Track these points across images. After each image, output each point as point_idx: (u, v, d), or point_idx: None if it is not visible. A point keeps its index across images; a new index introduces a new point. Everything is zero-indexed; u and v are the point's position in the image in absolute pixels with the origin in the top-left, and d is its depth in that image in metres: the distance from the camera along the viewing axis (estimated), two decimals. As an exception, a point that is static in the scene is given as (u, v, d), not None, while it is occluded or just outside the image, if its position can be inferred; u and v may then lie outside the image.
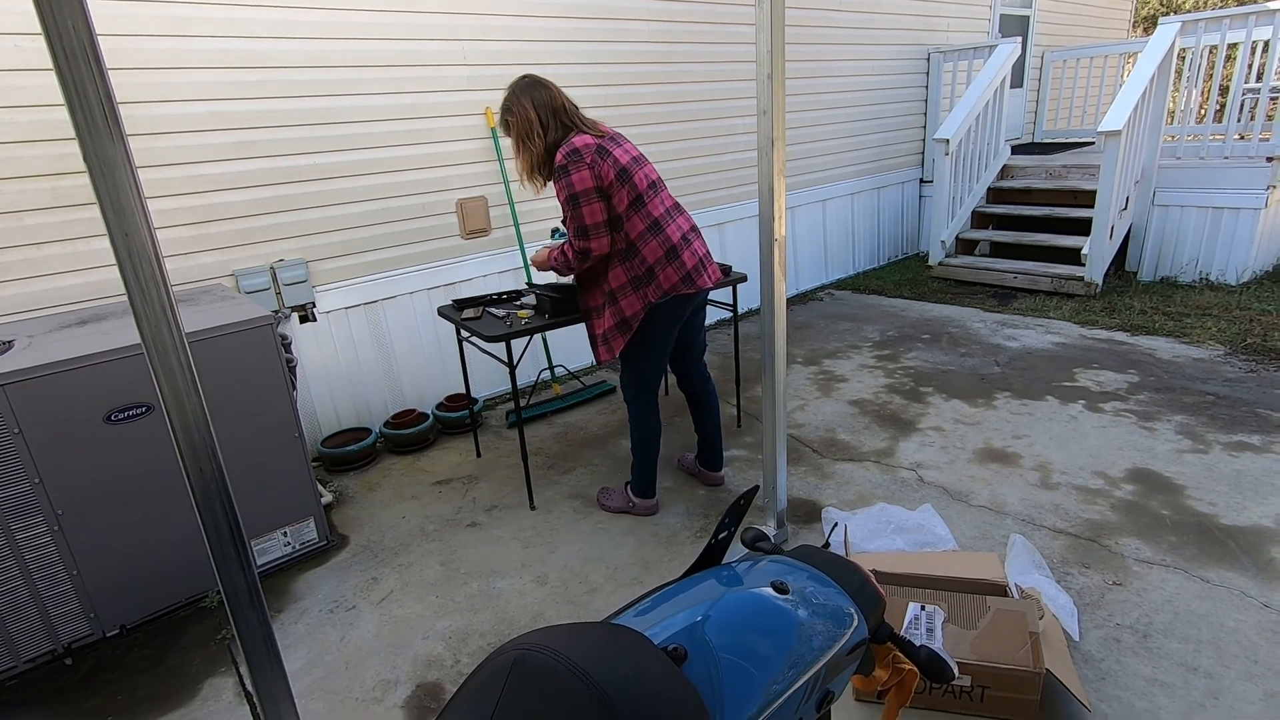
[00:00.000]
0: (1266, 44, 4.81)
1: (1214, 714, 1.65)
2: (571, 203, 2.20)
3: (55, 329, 2.26)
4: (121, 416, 2.07)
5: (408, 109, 3.28)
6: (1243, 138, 5.37)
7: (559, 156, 2.20)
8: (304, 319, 3.16)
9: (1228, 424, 3.02)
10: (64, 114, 2.45)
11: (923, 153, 6.53)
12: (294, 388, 2.50)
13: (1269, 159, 4.66)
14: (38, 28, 2.29)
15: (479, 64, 3.46)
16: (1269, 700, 1.68)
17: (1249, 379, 3.47)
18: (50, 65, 0.83)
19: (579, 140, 2.20)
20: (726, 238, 4.93)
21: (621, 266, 2.29)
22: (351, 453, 3.14)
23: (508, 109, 2.30)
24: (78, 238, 2.59)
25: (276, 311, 3.05)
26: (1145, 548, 2.27)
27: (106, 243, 2.68)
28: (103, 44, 0.85)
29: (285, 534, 2.48)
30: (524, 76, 2.32)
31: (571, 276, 2.47)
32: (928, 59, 6.22)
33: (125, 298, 0.96)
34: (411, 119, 3.31)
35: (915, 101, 6.30)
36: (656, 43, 4.18)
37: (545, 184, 2.37)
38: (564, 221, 2.33)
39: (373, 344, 3.43)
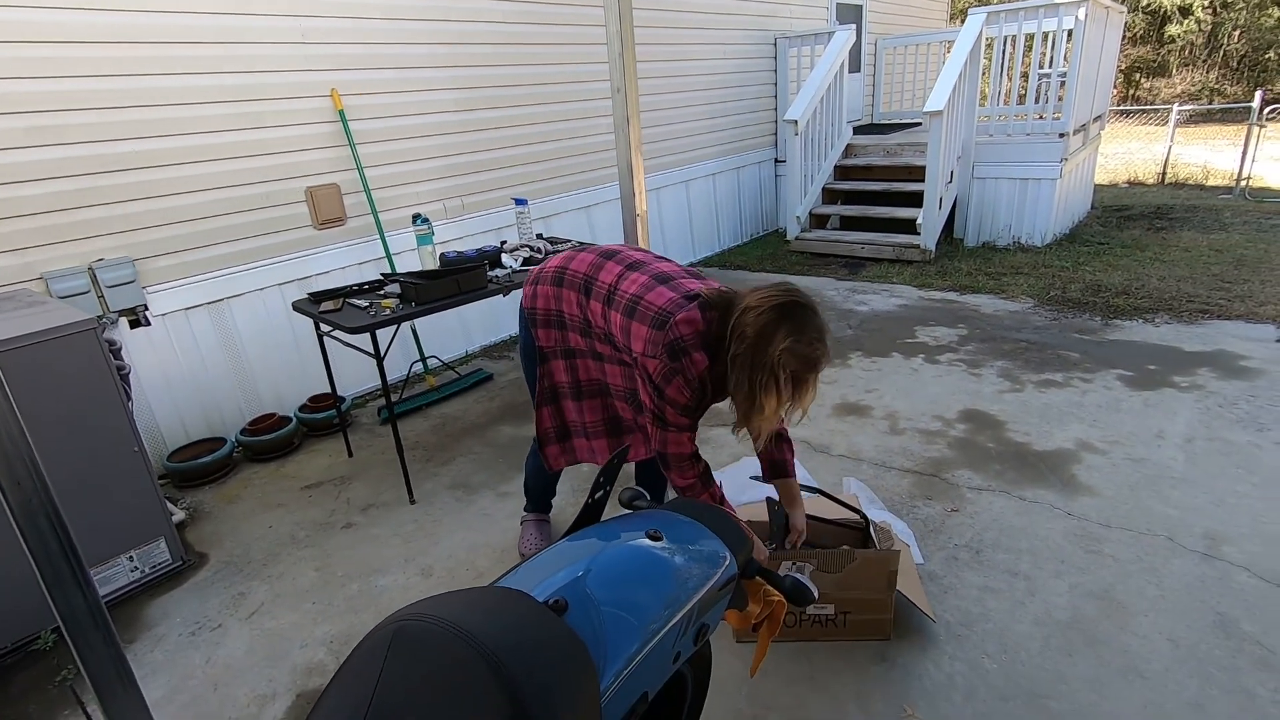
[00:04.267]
0: (1050, 35, 5.50)
1: (1032, 608, 1.92)
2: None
3: None
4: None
5: (237, 90, 3.03)
6: (1041, 117, 6.13)
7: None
8: (135, 323, 2.86)
9: (1037, 365, 3.47)
10: None
11: (775, 133, 6.89)
12: (129, 398, 2.27)
13: (1060, 135, 5.35)
14: None
15: (319, 42, 3.25)
16: (1072, 591, 1.97)
17: (1052, 326, 4.00)
18: None
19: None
20: (595, 220, 4.97)
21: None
22: (204, 465, 2.89)
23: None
24: None
25: (101, 317, 2.73)
26: (976, 477, 2.58)
27: None
28: None
29: (132, 558, 2.26)
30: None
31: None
32: (774, 44, 6.55)
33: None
34: (244, 101, 3.05)
35: (766, 85, 6.62)
36: (511, 23, 4.11)
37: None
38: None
39: (220, 346, 3.17)
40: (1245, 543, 2.12)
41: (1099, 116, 6.59)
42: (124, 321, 2.83)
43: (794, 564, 1.86)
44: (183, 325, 3.03)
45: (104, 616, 1.10)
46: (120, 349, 2.46)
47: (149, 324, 2.90)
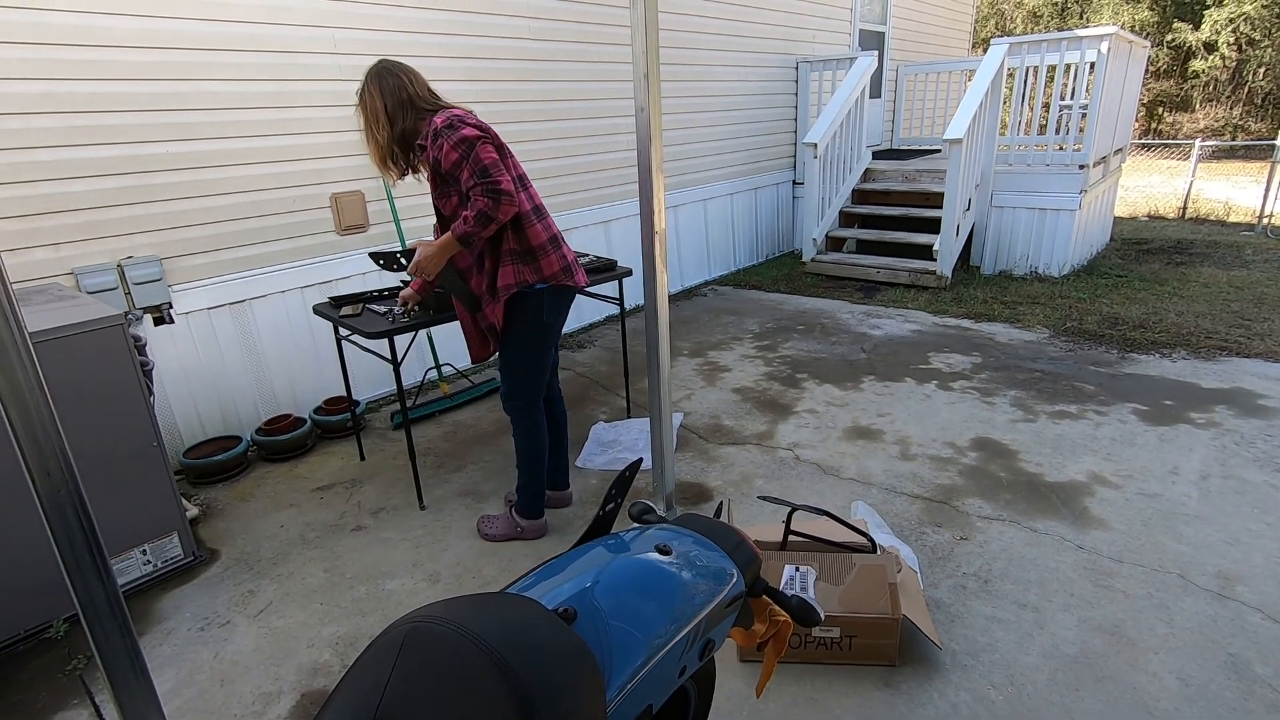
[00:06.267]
0: (1072, 67, 5.52)
1: (1040, 640, 1.91)
2: (466, 154, 1.99)
3: None
4: (-62, 431, 1.84)
5: (270, 97, 3.11)
6: (1061, 148, 6.12)
7: (438, 121, 2.04)
8: (159, 321, 2.92)
9: (1051, 396, 3.45)
10: None
11: (794, 155, 6.93)
12: (151, 394, 2.32)
13: (1080, 166, 5.35)
14: None
15: (350, 53, 3.33)
16: (1081, 625, 1.96)
17: (1068, 357, 3.98)
18: None
19: (458, 110, 2.10)
20: (612, 235, 5.02)
21: (511, 234, 2.15)
22: (219, 463, 2.93)
23: (359, 95, 2.19)
24: None
25: (127, 313, 2.79)
26: (986, 506, 2.56)
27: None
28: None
29: (145, 552, 2.29)
30: (378, 62, 2.17)
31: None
32: (796, 68, 6.61)
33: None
34: (275, 108, 3.13)
35: (786, 107, 6.67)
36: (538, 40, 4.19)
37: (401, 174, 2.26)
38: (446, 196, 2.17)
39: (240, 346, 3.22)
40: (1259, 583, 2.10)
41: (1120, 149, 6.58)
42: (148, 318, 2.89)
43: (797, 567, 1.86)
44: (205, 324, 3.09)
45: (121, 607, 1.12)
46: (145, 345, 2.51)
47: (172, 322, 2.96)
